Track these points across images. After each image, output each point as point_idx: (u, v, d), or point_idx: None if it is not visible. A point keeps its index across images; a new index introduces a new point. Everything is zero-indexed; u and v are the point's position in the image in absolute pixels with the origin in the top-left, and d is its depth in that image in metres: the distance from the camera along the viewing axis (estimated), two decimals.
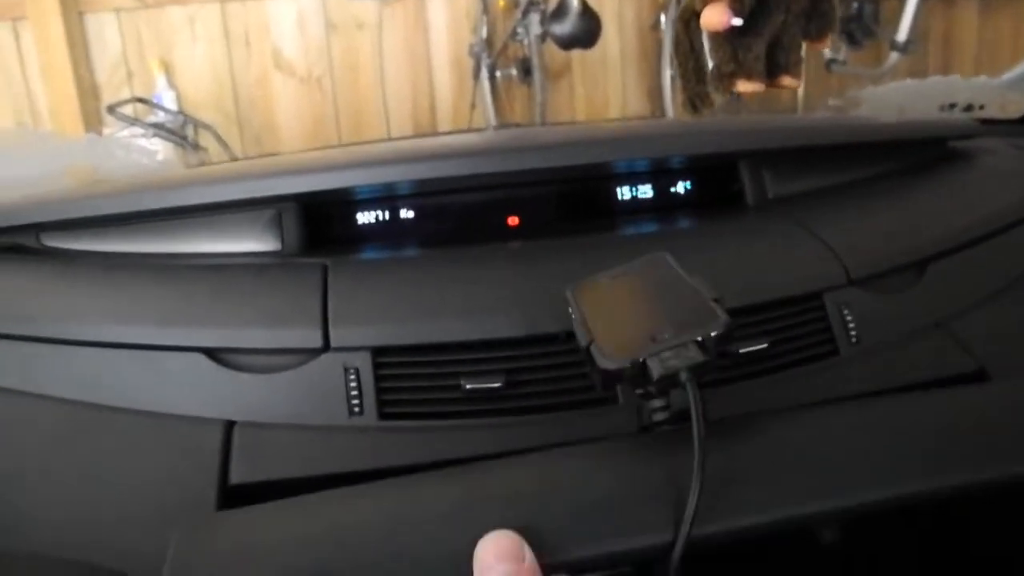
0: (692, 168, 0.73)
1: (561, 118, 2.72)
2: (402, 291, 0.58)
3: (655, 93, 2.73)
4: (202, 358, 0.54)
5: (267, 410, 0.52)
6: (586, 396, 0.53)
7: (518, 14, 2.28)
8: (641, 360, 0.41)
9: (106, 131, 2.02)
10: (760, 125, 0.85)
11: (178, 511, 0.47)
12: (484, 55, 2.57)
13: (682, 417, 0.43)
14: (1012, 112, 0.97)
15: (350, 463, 0.50)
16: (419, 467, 0.47)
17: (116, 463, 0.50)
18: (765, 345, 0.56)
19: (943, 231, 0.67)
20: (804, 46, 0.50)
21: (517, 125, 2.53)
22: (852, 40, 2.31)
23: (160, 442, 0.51)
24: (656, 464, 0.42)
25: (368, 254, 0.66)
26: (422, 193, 0.69)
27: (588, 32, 1.95)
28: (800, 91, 2.44)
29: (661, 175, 0.72)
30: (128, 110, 2.23)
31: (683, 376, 0.40)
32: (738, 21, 0.47)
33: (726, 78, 0.49)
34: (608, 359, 0.42)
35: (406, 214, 0.69)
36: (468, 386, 0.53)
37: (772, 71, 0.49)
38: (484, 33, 2.57)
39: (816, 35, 0.50)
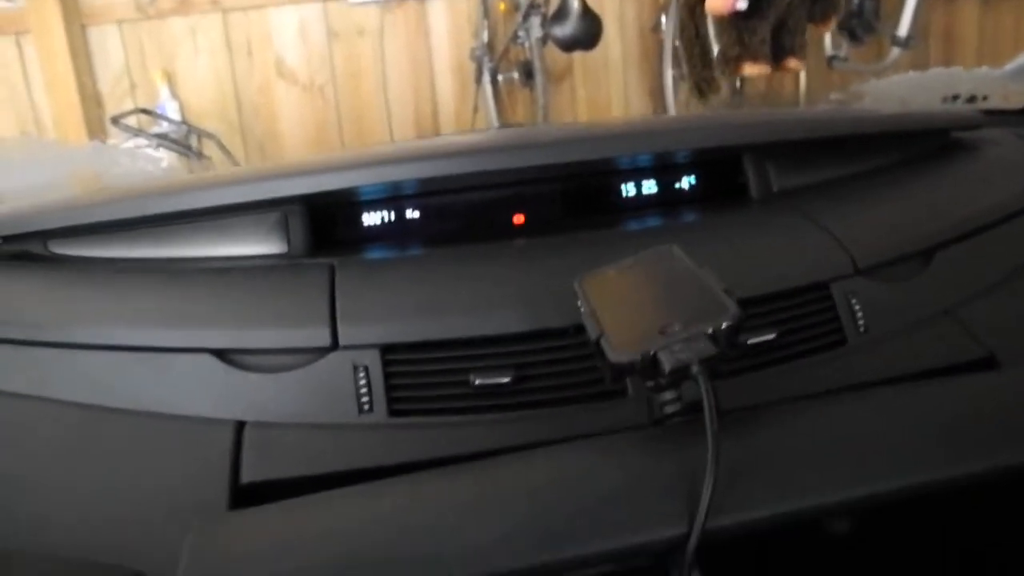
0: (696, 162, 0.73)
1: (563, 120, 2.72)
2: (410, 289, 0.58)
3: (657, 94, 2.73)
4: (211, 359, 0.54)
5: (277, 410, 0.52)
6: (596, 390, 0.53)
7: (519, 17, 2.28)
8: (652, 353, 0.41)
9: (110, 142, 2.03)
10: (763, 118, 0.85)
11: (191, 511, 0.47)
12: (486, 59, 2.57)
13: (693, 409, 0.42)
14: (1015, 103, 0.96)
15: (361, 461, 0.50)
16: (430, 463, 0.47)
17: (128, 466, 0.50)
18: (773, 336, 0.56)
19: (949, 219, 0.66)
20: (809, 29, 0.50)
21: (520, 126, 2.53)
22: (853, 36, 2.31)
23: (171, 444, 0.51)
24: (668, 457, 0.42)
25: (375, 254, 0.66)
26: (427, 193, 0.69)
27: (589, 33, 1.96)
28: (802, 87, 2.44)
29: (665, 170, 0.72)
30: (132, 121, 2.24)
31: (695, 369, 0.40)
32: (743, 4, 0.47)
33: (732, 62, 0.49)
34: (619, 352, 0.42)
35: (412, 214, 0.69)
36: (477, 382, 0.53)
37: (777, 54, 0.50)
38: (485, 37, 2.57)
39: (821, 18, 0.50)
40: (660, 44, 2.60)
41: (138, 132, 2.08)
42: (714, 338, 0.41)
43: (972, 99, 1.01)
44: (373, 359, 0.54)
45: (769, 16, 0.45)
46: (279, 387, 0.53)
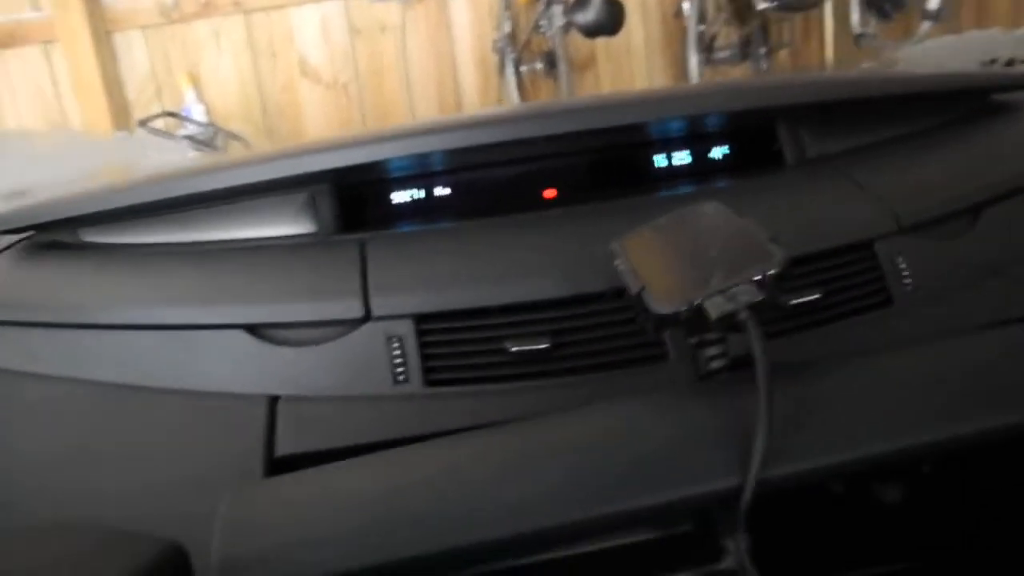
0: (729, 131, 0.71)
1: None
2: (442, 259, 0.57)
3: (682, 81, 2.70)
4: (243, 335, 0.53)
5: (311, 383, 0.52)
6: (636, 355, 0.52)
7: (540, 6, 2.27)
8: (697, 303, 0.40)
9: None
10: (797, 81, 0.82)
11: (226, 485, 0.46)
12: (508, 50, 2.56)
13: (740, 363, 0.41)
14: None
15: (397, 431, 0.49)
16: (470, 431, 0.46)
17: (163, 443, 0.50)
18: (817, 296, 0.54)
19: (995, 177, 0.64)
20: None
21: None
22: (881, 13, 2.27)
23: (206, 420, 0.51)
24: (718, 409, 0.41)
25: (405, 229, 0.65)
26: (457, 168, 0.68)
27: (612, 19, 1.94)
28: (829, 65, 2.40)
29: (698, 139, 0.71)
30: (159, 124, 2.26)
31: (743, 315, 0.39)
32: None
33: None
34: (662, 304, 0.41)
35: (441, 191, 0.68)
36: (514, 349, 0.51)
37: None
38: (507, 28, 2.56)
39: None
40: (683, 30, 2.57)
41: (166, 135, 2.09)
42: (761, 284, 0.40)
43: (1011, 62, 0.98)
44: (407, 329, 0.53)
45: None
46: (312, 360, 0.53)
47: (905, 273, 0.57)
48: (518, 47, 2.53)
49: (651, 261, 0.45)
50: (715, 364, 0.43)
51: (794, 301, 0.54)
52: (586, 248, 0.54)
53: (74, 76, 2.54)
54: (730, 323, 0.39)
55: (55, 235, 0.67)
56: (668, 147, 0.70)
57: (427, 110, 2.71)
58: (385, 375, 0.51)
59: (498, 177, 0.68)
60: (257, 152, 0.98)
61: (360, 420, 0.50)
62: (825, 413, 0.41)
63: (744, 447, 0.37)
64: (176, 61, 2.60)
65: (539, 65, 2.48)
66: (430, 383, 0.51)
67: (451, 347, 0.53)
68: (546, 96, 2.65)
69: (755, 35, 2.27)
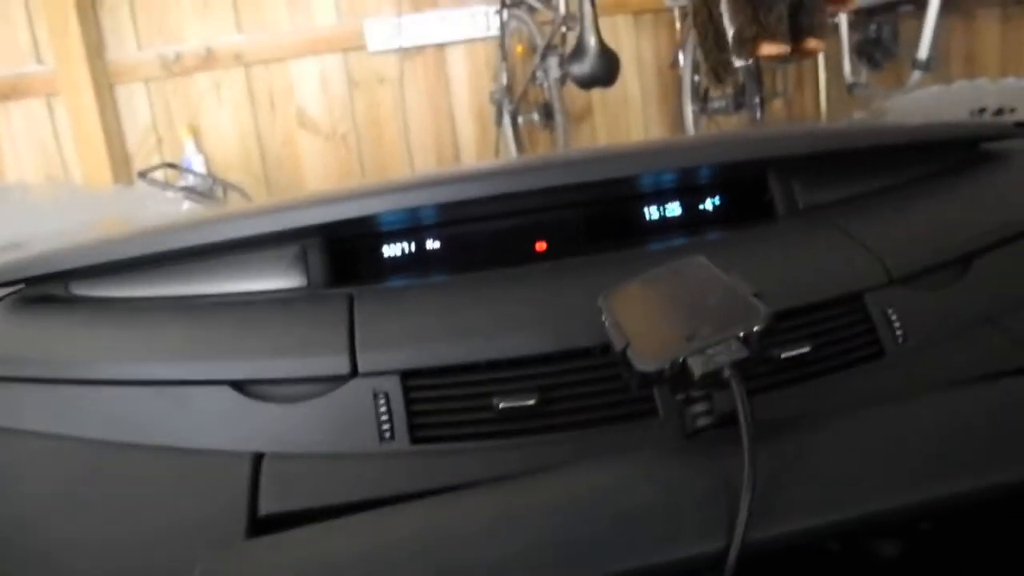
0: (720, 182, 0.71)
1: None
2: (429, 313, 0.57)
3: (677, 130, 2.73)
4: (229, 391, 0.53)
5: (296, 440, 0.51)
6: (625, 411, 0.51)
7: (536, 59, 2.30)
8: (681, 360, 0.40)
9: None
10: (787, 132, 0.83)
11: (208, 545, 0.45)
12: (505, 101, 2.59)
13: (727, 421, 0.40)
14: None
15: (382, 489, 0.48)
16: (454, 491, 0.45)
17: (145, 501, 0.49)
18: (807, 349, 0.54)
19: (985, 227, 0.64)
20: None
21: None
22: (872, 62, 2.30)
23: (189, 478, 0.50)
24: (703, 469, 0.40)
25: (394, 283, 0.65)
26: (447, 222, 0.68)
27: (607, 71, 1.95)
28: (823, 116, 2.43)
29: (689, 191, 0.71)
30: (159, 175, 2.28)
31: (727, 372, 0.38)
32: None
33: (748, 42, 0.47)
34: (646, 361, 0.41)
35: (432, 244, 0.68)
36: (501, 405, 0.51)
37: (796, 34, 0.48)
38: (504, 80, 2.59)
39: None
40: (679, 80, 2.61)
41: (165, 186, 2.11)
42: (745, 341, 0.39)
43: (999, 111, 0.99)
44: (394, 385, 0.52)
45: None
46: (297, 417, 0.52)
47: (896, 325, 0.57)
48: (515, 98, 2.56)
49: (636, 317, 0.45)
50: (702, 421, 0.42)
51: (784, 354, 0.54)
52: (575, 303, 0.54)
53: (76, 128, 2.57)
54: (715, 380, 0.39)
55: (45, 288, 0.67)
56: (659, 200, 0.70)
57: (425, 160, 2.74)
58: (371, 432, 0.51)
59: (489, 231, 0.68)
60: (248, 206, 0.99)
61: (345, 478, 0.49)
62: (815, 471, 0.41)
63: (730, 508, 0.37)
64: (177, 113, 2.64)
65: (536, 116, 2.50)
66: (416, 440, 0.51)
67: (438, 403, 0.52)
68: (543, 147, 2.68)
69: (749, 85, 2.30)
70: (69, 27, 2.49)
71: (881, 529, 0.49)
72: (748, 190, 0.71)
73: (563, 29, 2.11)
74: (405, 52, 2.67)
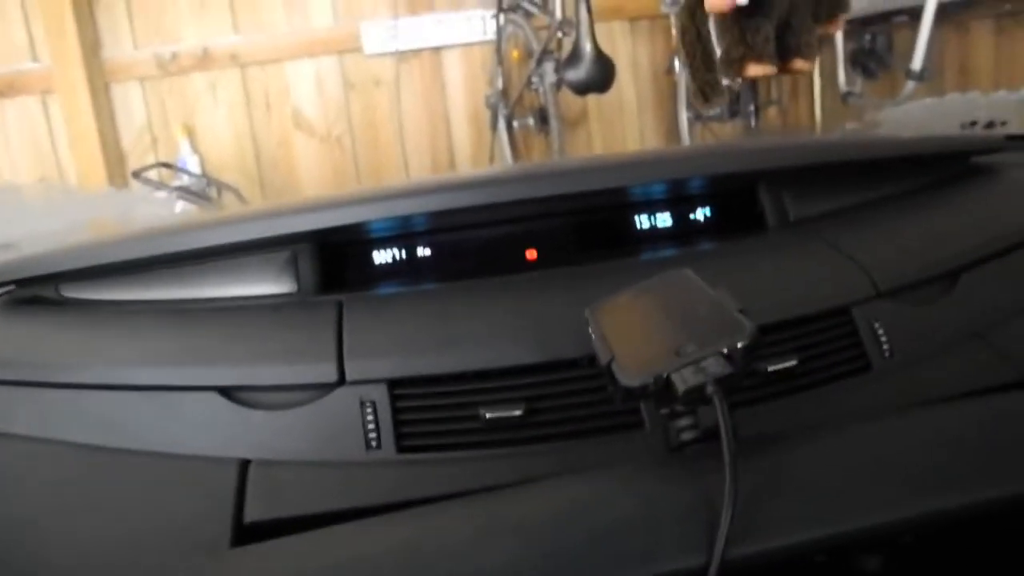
0: (710, 193, 0.71)
1: None
2: (418, 322, 0.57)
3: (672, 137, 2.74)
4: (216, 397, 0.53)
5: (282, 447, 0.51)
6: (611, 422, 0.52)
7: (532, 63, 2.30)
8: (665, 375, 0.40)
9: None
10: (778, 144, 0.83)
11: (192, 552, 0.45)
12: (501, 106, 2.59)
13: (711, 435, 0.41)
14: None
15: (368, 499, 0.48)
16: (439, 501, 0.45)
17: (130, 506, 0.49)
18: (794, 363, 0.54)
19: (973, 241, 0.64)
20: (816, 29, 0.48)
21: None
22: (866, 72, 2.31)
23: (175, 483, 0.50)
24: (686, 484, 0.40)
25: (384, 290, 0.65)
26: (437, 230, 0.68)
27: (603, 76, 1.96)
28: (817, 126, 2.44)
29: (679, 201, 0.71)
30: (153, 175, 2.28)
31: (710, 389, 0.38)
32: (743, 0, 0.46)
33: (736, 63, 0.48)
34: (630, 376, 0.41)
35: (422, 252, 0.68)
36: (488, 415, 0.51)
37: (783, 55, 0.48)
38: (500, 84, 2.60)
39: (827, 17, 0.48)
40: (674, 86, 2.61)
41: (159, 185, 2.11)
42: (729, 357, 0.39)
43: (991, 124, 0.99)
44: (381, 394, 0.52)
45: (772, 14, 0.44)
46: (284, 424, 0.52)
47: (883, 339, 0.57)
48: (510, 103, 2.56)
49: (621, 331, 0.45)
50: (686, 436, 0.43)
51: (771, 367, 0.54)
52: (564, 313, 0.54)
53: (71, 127, 2.57)
54: (698, 396, 0.39)
55: (35, 290, 0.67)
56: (650, 210, 0.70)
57: (420, 163, 2.74)
58: (358, 441, 0.51)
59: (479, 239, 0.68)
60: (239, 210, 0.99)
61: (331, 486, 0.49)
62: (799, 487, 0.41)
63: (711, 524, 0.37)
64: (172, 113, 2.63)
65: (531, 121, 2.51)
66: (402, 449, 0.51)
67: (424, 413, 0.52)
68: (538, 152, 2.68)
69: (744, 93, 2.31)
70: (65, 25, 2.49)
71: (865, 545, 0.49)
72: (739, 202, 0.72)
73: (559, 34, 2.11)
74: (401, 55, 2.67)
